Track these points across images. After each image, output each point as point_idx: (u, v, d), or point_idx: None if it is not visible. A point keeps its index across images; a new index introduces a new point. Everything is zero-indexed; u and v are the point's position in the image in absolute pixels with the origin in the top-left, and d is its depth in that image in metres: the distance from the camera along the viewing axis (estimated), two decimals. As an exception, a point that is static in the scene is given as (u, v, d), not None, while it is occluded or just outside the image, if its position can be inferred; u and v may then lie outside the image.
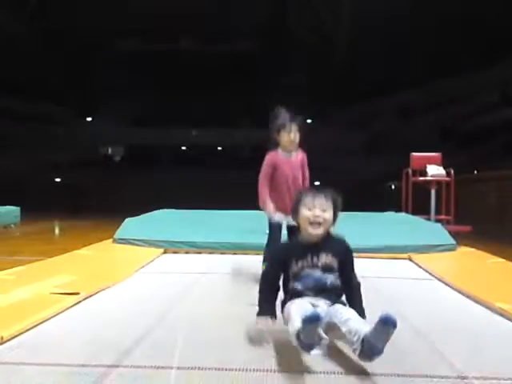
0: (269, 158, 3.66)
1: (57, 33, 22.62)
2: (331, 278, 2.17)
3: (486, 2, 17.87)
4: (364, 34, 20.21)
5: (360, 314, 2.06)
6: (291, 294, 2.19)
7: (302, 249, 2.20)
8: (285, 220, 3.68)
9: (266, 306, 2.16)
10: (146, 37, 24.92)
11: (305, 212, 2.18)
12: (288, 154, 3.65)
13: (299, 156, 3.71)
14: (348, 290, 2.22)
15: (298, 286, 2.17)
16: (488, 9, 17.97)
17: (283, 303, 2.21)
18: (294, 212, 2.27)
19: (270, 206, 3.61)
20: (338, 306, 2.09)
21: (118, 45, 24.99)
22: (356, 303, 2.17)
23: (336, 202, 2.23)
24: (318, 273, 2.16)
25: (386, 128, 24.41)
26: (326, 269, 2.16)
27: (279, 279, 2.24)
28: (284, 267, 2.22)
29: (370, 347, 1.80)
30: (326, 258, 2.17)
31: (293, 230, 3.15)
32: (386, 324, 1.78)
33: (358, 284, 2.24)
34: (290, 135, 3.52)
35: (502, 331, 2.51)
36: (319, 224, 2.16)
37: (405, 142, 19.74)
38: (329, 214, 2.18)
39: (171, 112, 26.17)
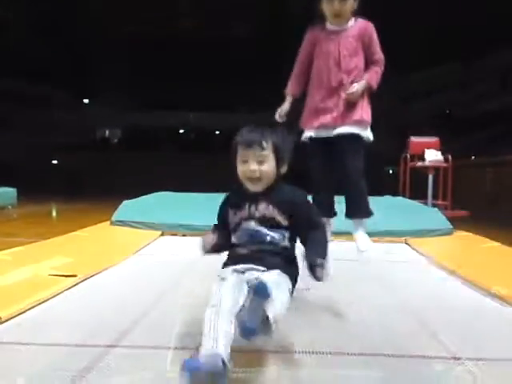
0: (308, 32, 2.53)
1: (55, 15, 22.35)
2: (272, 235, 1.78)
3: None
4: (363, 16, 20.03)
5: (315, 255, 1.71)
6: (229, 251, 1.89)
7: (241, 197, 1.84)
8: (326, 134, 2.45)
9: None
10: (143, 20, 24.65)
11: (239, 166, 1.80)
12: (338, 26, 2.44)
13: (357, 26, 2.46)
14: (305, 245, 1.82)
15: (234, 239, 1.86)
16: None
17: (224, 263, 1.90)
18: (233, 161, 1.84)
19: (288, 98, 2.47)
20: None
21: (116, 27, 24.72)
22: (312, 249, 1.76)
23: (278, 147, 1.77)
24: (253, 225, 1.80)
25: (384, 112, 24.34)
26: (265, 222, 1.79)
27: (225, 236, 1.89)
28: (226, 220, 1.89)
29: (243, 327, 1.47)
30: (265, 210, 1.79)
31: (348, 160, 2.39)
32: (257, 296, 1.47)
33: (320, 234, 1.83)
34: (334, 3, 2.36)
35: (497, 314, 2.53)
36: (257, 179, 1.78)
37: (403, 126, 19.70)
38: (268, 166, 1.76)
39: (168, 95, 26.01)
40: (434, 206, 7.75)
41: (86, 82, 26.25)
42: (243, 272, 1.73)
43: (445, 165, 8.62)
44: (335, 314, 2.44)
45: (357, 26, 2.45)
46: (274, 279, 1.63)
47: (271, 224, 1.78)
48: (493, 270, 3.48)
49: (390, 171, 18.28)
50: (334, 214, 2.49)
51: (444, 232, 5.35)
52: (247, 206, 1.81)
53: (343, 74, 2.37)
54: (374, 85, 2.43)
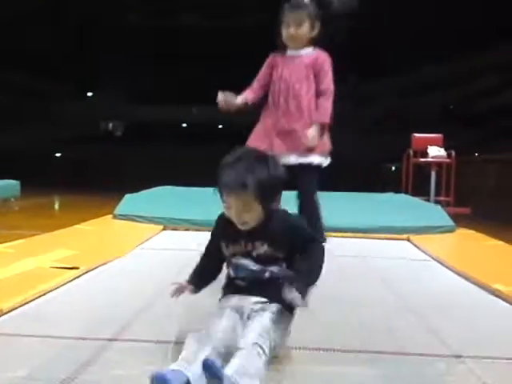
0: (269, 57, 2.63)
1: (56, 7, 22.31)
2: (271, 271, 1.68)
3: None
4: (367, 14, 19.96)
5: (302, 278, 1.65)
6: (226, 280, 1.81)
7: (234, 230, 1.67)
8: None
9: (192, 276, 1.87)
10: (147, 11, 24.58)
11: (224, 208, 1.66)
12: (295, 53, 2.52)
13: (311, 55, 2.50)
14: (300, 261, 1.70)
15: (231, 271, 1.75)
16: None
17: (223, 288, 1.81)
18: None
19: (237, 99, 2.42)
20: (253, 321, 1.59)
21: (119, 19, 24.67)
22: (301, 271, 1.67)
23: (262, 189, 1.55)
24: (251, 264, 1.68)
25: (387, 108, 24.27)
26: (264, 261, 1.67)
27: (217, 257, 1.82)
28: (218, 248, 1.79)
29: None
30: (262, 248, 1.67)
31: (302, 175, 2.33)
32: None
33: (316, 252, 1.68)
34: (290, 28, 2.44)
35: (499, 313, 2.53)
36: (244, 223, 1.63)
37: (406, 122, 19.66)
38: (254, 212, 1.59)
39: (172, 88, 25.98)
40: (436, 202, 7.74)
41: (89, 74, 26.23)
42: (241, 307, 1.65)
43: (448, 161, 8.60)
44: (335, 312, 2.44)
45: (311, 55, 2.47)
46: (257, 338, 1.51)
47: (269, 260, 1.67)
48: (495, 269, 3.47)
49: (393, 168, 18.24)
50: None
51: (446, 229, 5.34)
52: (243, 243, 1.68)
53: (292, 98, 2.39)
54: (326, 120, 2.44)
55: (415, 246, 4.70)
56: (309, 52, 2.48)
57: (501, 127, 18.94)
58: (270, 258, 1.67)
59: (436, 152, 8.55)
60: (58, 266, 3.05)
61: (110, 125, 29.45)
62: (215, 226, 1.83)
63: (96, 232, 4.82)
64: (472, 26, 18.85)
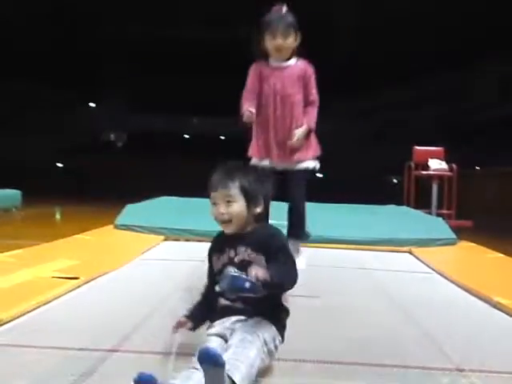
0: (253, 66, 2.60)
1: (59, 17, 22.51)
2: (252, 281, 1.60)
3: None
4: (367, 27, 20.09)
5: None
6: (216, 301, 1.81)
7: (223, 242, 1.79)
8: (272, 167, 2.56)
9: (192, 310, 1.85)
10: (148, 22, 24.74)
11: (210, 208, 1.75)
12: (280, 62, 2.55)
13: (299, 66, 2.56)
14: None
15: (217, 287, 1.77)
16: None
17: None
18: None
19: (247, 110, 2.45)
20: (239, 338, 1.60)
21: (121, 29, 24.83)
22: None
23: (246, 186, 1.70)
24: (232, 270, 1.72)
25: (389, 120, 24.29)
26: (244, 266, 1.67)
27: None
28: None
29: None
30: (244, 254, 1.72)
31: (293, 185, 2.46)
32: (208, 365, 1.37)
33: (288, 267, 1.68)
34: (277, 39, 2.45)
35: (501, 326, 2.51)
36: (228, 221, 1.72)
37: (408, 135, 19.71)
38: (237, 206, 1.69)
39: (173, 99, 26.09)
40: (438, 215, 7.72)
41: (91, 85, 26.35)
42: (228, 329, 1.68)
43: (449, 174, 8.59)
44: (336, 325, 2.43)
45: (298, 65, 2.55)
46: (243, 336, 1.59)
47: (250, 265, 1.67)
48: (496, 282, 3.46)
49: (395, 180, 18.25)
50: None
51: (448, 242, 5.34)
52: (227, 251, 1.76)
53: (288, 109, 2.49)
54: (313, 126, 2.58)
55: (417, 258, 4.69)
56: (295, 62, 2.56)
57: (501, 139, 18.94)
58: (251, 263, 1.69)
59: (437, 165, 8.53)
60: (59, 275, 3.04)
61: (112, 136, 29.55)
62: (210, 247, 1.88)
63: (97, 242, 4.82)
64: (471, 38, 18.93)
